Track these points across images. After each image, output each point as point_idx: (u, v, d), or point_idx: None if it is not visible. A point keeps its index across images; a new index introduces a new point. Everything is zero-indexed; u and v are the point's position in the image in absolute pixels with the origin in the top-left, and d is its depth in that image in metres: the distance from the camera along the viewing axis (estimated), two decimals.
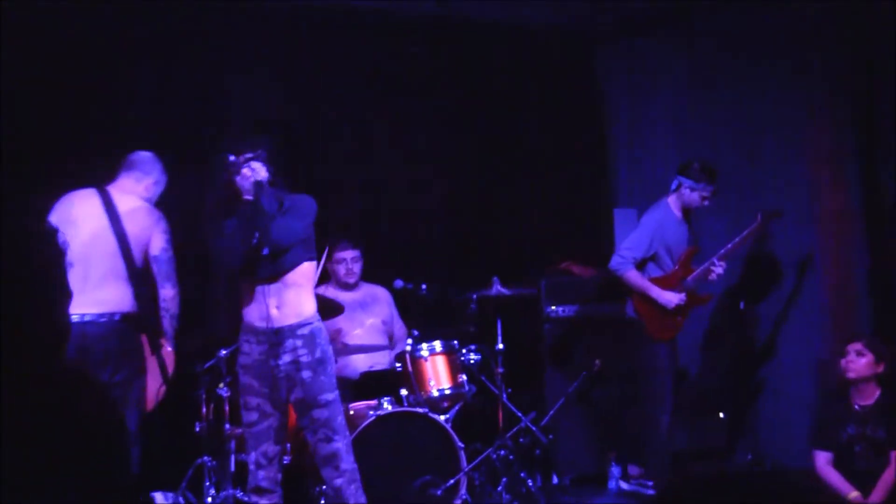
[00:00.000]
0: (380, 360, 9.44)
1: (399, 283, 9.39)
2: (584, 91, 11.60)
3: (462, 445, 8.40)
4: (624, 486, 9.58)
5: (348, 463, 7.06)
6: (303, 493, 8.30)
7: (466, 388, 8.85)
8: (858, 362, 8.06)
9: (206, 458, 8.58)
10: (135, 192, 7.66)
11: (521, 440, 9.27)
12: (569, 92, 11.48)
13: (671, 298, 9.13)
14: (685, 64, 10.93)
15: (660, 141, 11.06)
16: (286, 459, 8.58)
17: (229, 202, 6.95)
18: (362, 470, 7.49)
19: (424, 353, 8.80)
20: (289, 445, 8.58)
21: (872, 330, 9.40)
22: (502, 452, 8.87)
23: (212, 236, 6.96)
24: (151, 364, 7.49)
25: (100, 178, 7.71)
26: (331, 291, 9.37)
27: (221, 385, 8.54)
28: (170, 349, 7.64)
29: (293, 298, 6.97)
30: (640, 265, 9.21)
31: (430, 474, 8.25)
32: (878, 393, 8.08)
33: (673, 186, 9.29)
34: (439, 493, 8.26)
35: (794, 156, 10.08)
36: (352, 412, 8.52)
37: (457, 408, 8.92)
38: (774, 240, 10.07)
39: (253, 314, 7.01)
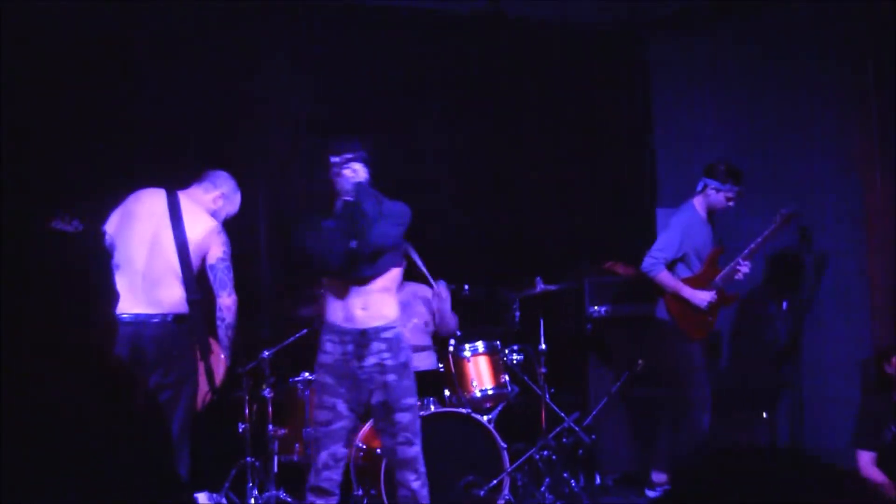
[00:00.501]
0: (423, 361, 9.43)
1: (442, 284, 9.38)
2: (629, 89, 11.57)
3: (505, 446, 8.40)
4: (650, 493, 9.52)
5: (423, 466, 7.05)
6: (349, 492, 8.29)
7: (509, 388, 8.85)
8: None
9: (249, 458, 8.60)
10: (201, 202, 7.66)
11: (564, 440, 9.27)
12: (614, 90, 11.46)
13: (704, 297, 9.14)
14: (731, 63, 10.91)
15: (704, 141, 11.03)
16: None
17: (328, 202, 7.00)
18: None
19: (467, 353, 8.81)
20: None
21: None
22: (545, 453, 8.88)
23: (308, 235, 6.91)
24: (200, 368, 7.50)
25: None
26: None
27: (264, 386, 8.56)
28: (222, 357, 7.64)
29: (379, 301, 6.97)
30: (670, 266, 9.21)
31: (473, 474, 8.25)
32: None
33: (699, 188, 9.31)
34: (482, 493, 8.26)
35: (842, 155, 10.05)
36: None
37: (500, 408, 8.91)
38: (817, 240, 10.04)
39: (338, 314, 6.99)
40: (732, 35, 10.90)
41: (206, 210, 7.64)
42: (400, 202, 7.08)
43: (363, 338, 6.93)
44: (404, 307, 9.55)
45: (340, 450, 6.99)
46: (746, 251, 9.22)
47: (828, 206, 10.07)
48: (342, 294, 6.97)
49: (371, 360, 6.93)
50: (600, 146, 11.39)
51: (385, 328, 6.97)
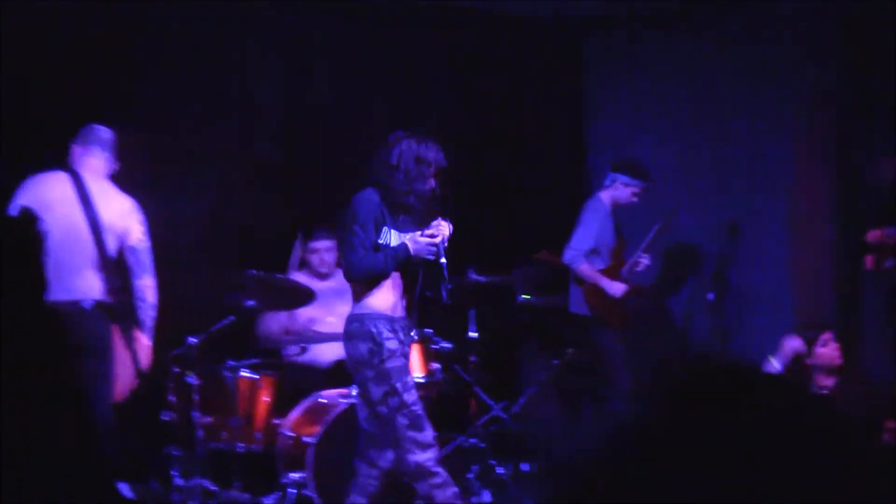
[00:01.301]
0: None
1: None
2: (567, 83, 11.55)
3: (433, 433, 8.35)
4: None
5: None
6: (274, 480, 8.23)
7: (439, 376, 8.80)
8: (823, 351, 8.29)
9: (173, 446, 8.50)
10: (101, 173, 7.52)
11: (493, 428, 9.26)
12: (552, 83, 11.44)
13: (619, 288, 9.28)
14: (669, 60, 10.96)
15: (638, 136, 11.05)
16: (255, 448, 8.55)
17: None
18: (334, 459, 7.50)
19: None
20: (259, 435, 8.55)
21: (836, 325, 9.50)
22: (473, 440, 8.85)
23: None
24: (124, 356, 7.38)
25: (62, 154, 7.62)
26: (304, 278, 9.30)
27: (190, 373, 8.45)
28: (146, 342, 7.54)
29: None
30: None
31: None
32: (834, 380, 8.26)
33: (607, 182, 9.46)
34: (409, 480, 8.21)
35: (772, 155, 10.18)
36: (323, 400, 8.47)
37: (429, 396, 8.86)
38: (744, 237, 10.17)
39: (392, 302, 7.07)
40: (672, 33, 10.94)
41: (108, 179, 7.51)
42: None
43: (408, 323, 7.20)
44: (339, 294, 9.49)
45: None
46: (644, 244, 9.47)
47: (757, 199, 10.17)
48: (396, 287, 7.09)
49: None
50: (535, 139, 11.38)
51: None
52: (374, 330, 6.97)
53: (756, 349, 10.08)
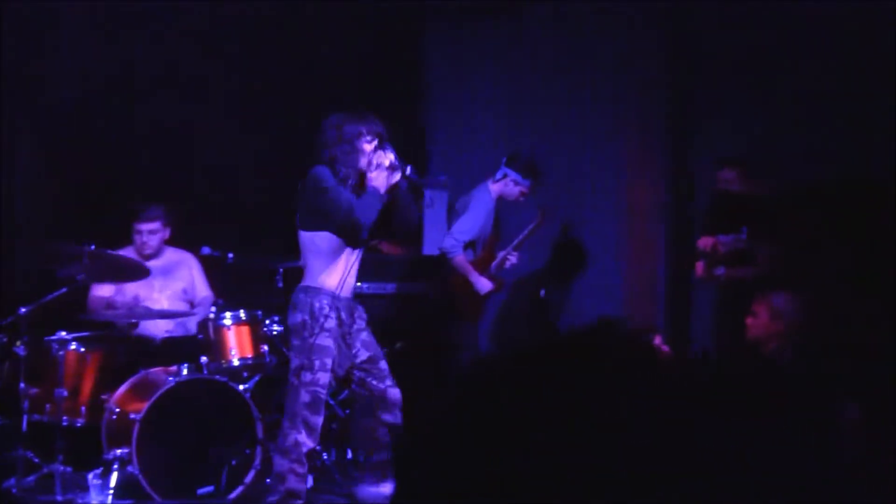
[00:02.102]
0: (180, 327, 9.37)
1: (206, 250, 9.32)
2: (407, 67, 11.60)
3: (259, 416, 8.40)
4: None
5: None
6: (98, 454, 8.19)
7: (267, 359, 8.83)
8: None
9: None
10: None
11: None
12: (392, 67, 11.48)
13: (486, 284, 9.36)
14: (507, 51, 11.05)
15: (477, 129, 11.15)
16: (80, 423, 8.50)
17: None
18: (159, 436, 7.54)
19: (227, 321, 8.75)
20: (84, 409, 8.50)
21: (666, 324, 9.70)
22: None
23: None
24: None
25: None
26: (133, 254, 9.25)
27: (18, 343, 8.37)
28: None
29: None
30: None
31: (226, 443, 8.23)
32: None
33: (498, 175, 9.46)
34: (234, 462, 8.25)
35: (607, 149, 10.33)
36: (150, 377, 8.47)
37: (256, 378, 8.90)
38: (580, 232, 10.30)
39: (342, 281, 7.37)
40: (509, 25, 11.04)
41: None
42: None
43: (355, 303, 7.50)
44: (165, 273, 9.47)
45: (398, 392, 7.56)
46: (515, 242, 9.47)
47: (593, 199, 10.33)
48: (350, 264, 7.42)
49: (360, 323, 7.50)
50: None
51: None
52: (315, 305, 7.22)
53: None
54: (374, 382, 7.52)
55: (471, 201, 9.55)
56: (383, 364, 7.55)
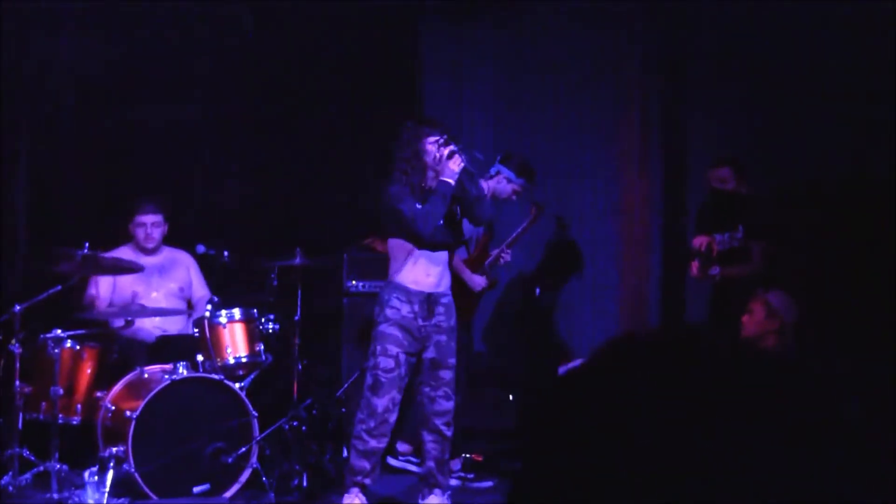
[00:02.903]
0: (176, 325, 9.36)
1: (201, 249, 9.32)
2: (402, 66, 11.57)
3: (255, 414, 8.40)
4: (392, 462, 9.64)
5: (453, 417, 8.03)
6: (93, 454, 8.19)
7: (263, 357, 8.83)
8: None
9: None
10: None
11: (315, 412, 9.29)
12: (387, 66, 11.46)
13: (480, 282, 9.33)
14: (504, 51, 11.04)
15: (473, 126, 11.13)
16: (75, 420, 8.50)
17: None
18: (154, 434, 7.55)
19: (223, 319, 8.74)
20: (79, 407, 8.51)
21: (660, 322, 9.71)
22: (295, 423, 8.88)
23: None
24: None
25: None
26: (130, 254, 9.23)
27: (13, 341, 8.36)
28: None
29: (447, 270, 8.03)
30: None
31: (221, 441, 8.23)
32: None
33: (491, 172, 9.42)
34: (230, 460, 8.25)
35: (602, 148, 10.35)
36: (146, 375, 8.47)
37: (252, 376, 8.90)
38: (575, 230, 10.30)
39: (409, 275, 7.85)
40: (505, 22, 11.03)
41: None
42: None
43: (431, 299, 7.87)
44: (162, 271, 9.47)
45: (397, 395, 7.85)
46: (509, 239, 9.46)
47: (588, 198, 10.35)
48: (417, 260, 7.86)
49: (434, 321, 7.87)
50: (370, 125, 11.40)
51: (445, 295, 7.96)
52: (385, 297, 7.86)
53: (577, 345, 10.32)
54: (427, 389, 7.97)
55: None
56: (444, 373, 7.92)
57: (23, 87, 9.87)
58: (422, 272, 7.81)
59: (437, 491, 8.00)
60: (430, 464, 7.99)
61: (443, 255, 7.93)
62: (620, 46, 10.37)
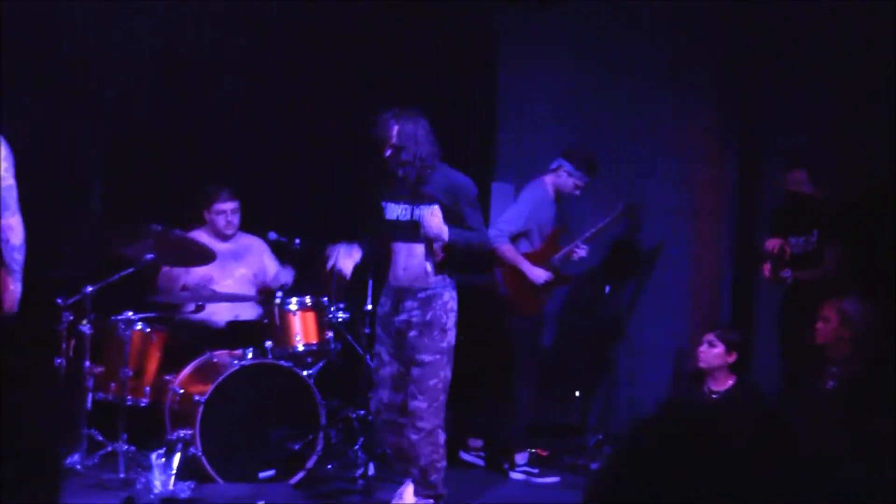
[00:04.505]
0: (247, 311, 9.38)
1: (273, 236, 9.33)
2: (477, 64, 11.53)
3: (323, 402, 8.41)
4: (464, 456, 9.66)
5: (427, 423, 7.44)
6: (161, 436, 8.23)
7: (332, 345, 8.85)
8: (710, 352, 8.46)
9: (62, 395, 8.47)
10: None
11: None
12: (462, 60, 11.42)
13: (540, 275, 9.26)
14: (579, 43, 10.97)
15: (545, 120, 11.07)
16: (144, 402, 8.55)
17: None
18: (222, 419, 7.57)
19: (293, 306, 8.77)
20: (148, 389, 8.56)
21: (731, 323, 9.65)
22: (361, 412, 8.89)
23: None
24: None
25: None
26: (205, 238, 9.25)
27: (84, 322, 8.41)
28: (12, 287, 7.28)
29: (421, 264, 7.47)
30: (513, 240, 9.30)
31: (288, 428, 8.24)
32: (730, 381, 8.39)
33: (553, 166, 9.40)
34: (296, 447, 8.26)
35: (674, 149, 10.29)
36: (215, 360, 8.50)
37: (320, 364, 8.92)
38: (646, 229, 10.25)
39: (389, 271, 7.62)
40: (582, 15, 10.97)
41: None
42: (465, 179, 7.78)
43: (400, 295, 7.52)
44: (237, 256, 9.48)
45: (386, 394, 7.57)
46: (587, 235, 9.43)
47: (660, 198, 10.28)
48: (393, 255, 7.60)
49: (402, 317, 7.49)
50: (443, 114, 11.34)
51: (422, 289, 7.48)
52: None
53: (646, 345, 10.27)
54: (392, 391, 7.64)
55: (521, 193, 9.55)
56: (414, 370, 7.47)
57: (102, 67, 9.90)
58: (397, 265, 7.55)
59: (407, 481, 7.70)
60: (401, 465, 7.76)
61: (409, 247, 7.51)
62: (696, 45, 10.29)
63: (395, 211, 7.50)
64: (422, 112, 7.74)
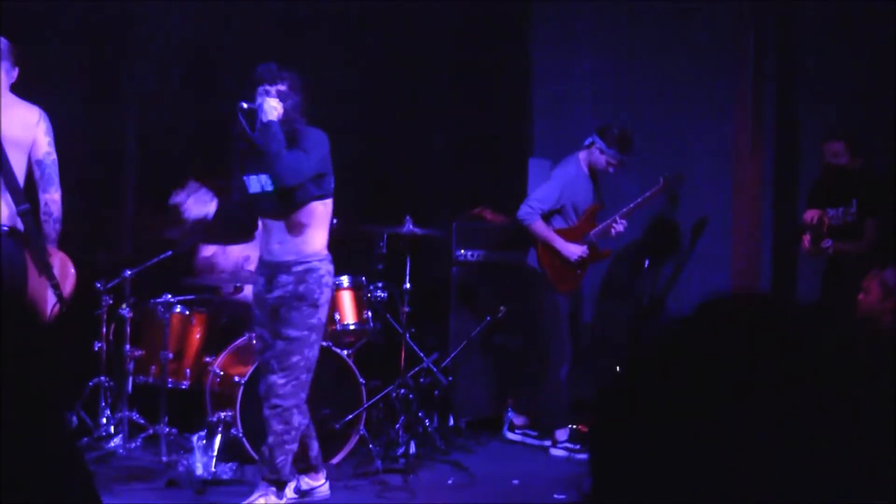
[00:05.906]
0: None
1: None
2: (512, 40, 11.51)
3: (363, 381, 8.42)
4: (508, 435, 9.67)
5: (283, 401, 7.06)
6: (202, 418, 8.26)
7: (371, 324, 8.84)
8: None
9: (103, 378, 8.52)
10: (5, 83, 6.98)
11: (422, 380, 9.32)
12: (497, 39, 11.40)
13: (574, 251, 9.23)
14: (614, 21, 10.94)
15: (582, 97, 11.05)
16: (184, 385, 8.59)
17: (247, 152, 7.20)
18: (261, 400, 7.59)
19: None
20: (188, 371, 8.59)
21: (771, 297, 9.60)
22: (402, 391, 8.89)
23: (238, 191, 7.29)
24: (38, 282, 6.92)
25: None
26: None
27: (124, 305, 8.45)
28: (72, 270, 7.12)
29: (295, 237, 7.09)
30: (546, 217, 9.27)
31: (329, 407, 8.24)
32: None
33: (586, 142, 9.37)
34: (338, 426, 8.27)
35: (712, 124, 10.24)
36: (254, 341, 8.50)
37: (360, 343, 8.92)
38: (685, 204, 10.22)
39: (262, 247, 7.24)
40: (618, 3, 10.94)
41: (8, 90, 7.00)
42: (315, 130, 7.28)
43: (273, 270, 7.11)
44: None
45: (269, 377, 7.11)
46: (625, 210, 9.37)
47: (698, 170, 10.24)
48: (265, 228, 7.21)
49: (277, 293, 7.09)
50: (480, 93, 11.34)
51: (297, 262, 7.08)
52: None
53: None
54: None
55: (555, 169, 9.53)
56: (278, 343, 7.08)
57: (135, 53, 9.93)
58: (267, 239, 7.20)
59: (261, 486, 7.26)
60: (263, 449, 7.25)
61: (299, 219, 7.10)
62: (733, 24, 10.24)
63: (257, 184, 7.17)
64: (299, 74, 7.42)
